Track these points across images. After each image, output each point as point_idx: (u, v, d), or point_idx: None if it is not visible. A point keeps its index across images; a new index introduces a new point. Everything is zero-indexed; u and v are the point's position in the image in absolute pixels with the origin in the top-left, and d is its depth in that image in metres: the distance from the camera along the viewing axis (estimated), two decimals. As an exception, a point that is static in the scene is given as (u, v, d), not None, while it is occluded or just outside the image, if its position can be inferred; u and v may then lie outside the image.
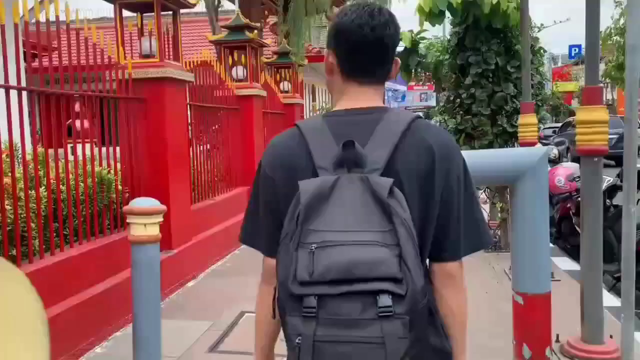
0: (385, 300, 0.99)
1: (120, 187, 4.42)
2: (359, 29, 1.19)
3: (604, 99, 33.04)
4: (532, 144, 5.06)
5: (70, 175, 3.83)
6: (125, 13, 4.89)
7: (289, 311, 1.03)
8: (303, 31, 12.06)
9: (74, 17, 3.91)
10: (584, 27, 3.10)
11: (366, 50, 1.21)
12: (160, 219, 2.83)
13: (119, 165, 4.47)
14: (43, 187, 3.61)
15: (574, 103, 38.70)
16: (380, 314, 0.98)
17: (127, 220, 2.82)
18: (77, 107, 4.08)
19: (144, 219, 2.73)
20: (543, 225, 2.50)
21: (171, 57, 5.13)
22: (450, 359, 1.22)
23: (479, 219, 1.24)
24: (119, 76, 4.47)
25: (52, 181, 3.68)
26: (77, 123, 4.05)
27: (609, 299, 4.27)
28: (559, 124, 21.92)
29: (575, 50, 30.33)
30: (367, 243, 1.02)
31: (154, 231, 2.78)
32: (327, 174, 1.12)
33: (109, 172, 4.29)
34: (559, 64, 38.17)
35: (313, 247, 1.02)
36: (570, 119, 17.70)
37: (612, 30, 24.10)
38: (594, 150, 3.13)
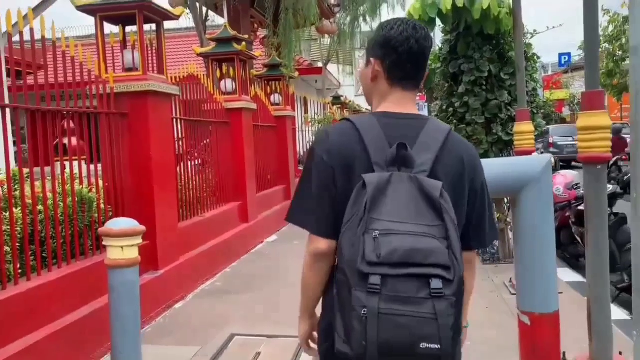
0: (437, 283, 1.18)
1: (103, 206, 4.23)
2: (406, 41, 1.39)
3: (596, 105, 33.17)
4: (529, 153, 4.91)
5: (49, 195, 3.65)
6: (113, 27, 4.73)
7: (354, 286, 1.20)
8: (294, 43, 11.95)
9: (51, 32, 3.75)
10: (582, 30, 2.96)
11: (412, 59, 1.41)
12: (139, 240, 2.64)
13: (101, 183, 4.28)
14: (19, 208, 3.42)
15: (565, 111, 38.82)
16: (433, 294, 1.18)
17: (103, 243, 2.63)
18: (56, 124, 3.90)
19: (121, 241, 2.55)
20: (549, 238, 2.34)
21: (155, 70, 4.97)
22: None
23: (494, 217, 1.51)
24: (99, 91, 4.30)
25: (29, 201, 3.49)
26: (59, 140, 3.87)
27: (615, 311, 4.10)
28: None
29: (565, 58, 30.45)
30: (422, 234, 1.21)
31: (132, 254, 2.60)
32: (381, 170, 1.31)
33: (90, 190, 4.10)
34: (549, 72, 38.36)
35: (377, 234, 1.20)
36: (546, 128, 17.74)
37: (601, 38, 24.27)
38: (597, 157, 2.97)
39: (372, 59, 1.46)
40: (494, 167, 2.37)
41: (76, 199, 3.86)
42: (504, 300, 4.65)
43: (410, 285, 1.18)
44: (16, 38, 3.47)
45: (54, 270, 3.63)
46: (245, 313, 4.60)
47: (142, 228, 2.64)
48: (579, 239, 5.58)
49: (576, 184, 5.91)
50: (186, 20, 13.24)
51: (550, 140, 18.92)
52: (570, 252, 5.90)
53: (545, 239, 2.35)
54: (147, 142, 4.64)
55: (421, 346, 1.17)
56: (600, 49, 25.83)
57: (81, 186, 4.00)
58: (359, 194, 1.27)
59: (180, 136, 5.73)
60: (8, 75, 3.52)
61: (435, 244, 1.21)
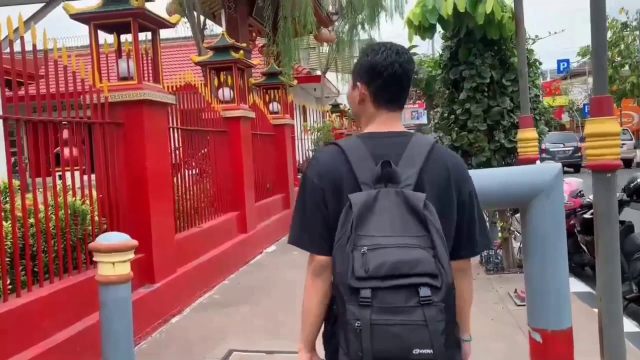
0: (425, 291, 1.24)
1: (97, 218, 4.11)
2: (390, 66, 1.47)
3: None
4: (533, 160, 4.81)
5: (41, 207, 3.54)
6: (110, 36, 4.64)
7: (347, 300, 1.27)
8: (293, 52, 11.88)
9: (47, 42, 3.66)
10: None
11: (396, 82, 1.49)
12: (130, 256, 2.53)
13: (95, 194, 4.17)
14: (9, 222, 3.30)
15: (564, 117, 38.77)
16: (422, 302, 1.24)
17: (94, 259, 2.52)
18: (47, 135, 3.80)
19: (112, 256, 2.43)
20: (561, 251, 2.23)
21: (151, 79, 4.87)
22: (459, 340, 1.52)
23: (485, 225, 1.54)
24: (93, 100, 4.20)
25: (21, 214, 3.38)
26: (51, 151, 3.76)
27: (624, 324, 3.98)
28: None
29: (563, 64, 30.42)
30: (408, 246, 1.27)
31: (124, 270, 2.48)
32: (368, 188, 1.37)
33: (83, 202, 3.98)
34: (548, 79, 38.36)
35: (365, 249, 1.27)
36: None
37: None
38: (607, 165, 2.86)
39: (358, 83, 1.54)
40: (502, 177, 2.26)
41: (69, 212, 3.75)
42: (510, 311, 4.53)
43: (400, 295, 1.25)
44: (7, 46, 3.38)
45: (45, 286, 3.51)
46: (244, 327, 4.47)
47: (134, 243, 2.53)
48: (584, 247, 5.46)
49: (581, 192, 5.80)
50: (184, 30, 13.17)
51: (543, 147, 19.24)
52: (576, 261, 5.78)
53: (557, 252, 2.24)
54: (143, 152, 4.53)
55: (414, 352, 1.23)
56: (599, 55, 25.79)
57: (74, 198, 3.88)
58: (347, 213, 1.34)
59: (177, 145, 5.63)
60: None
61: (422, 253, 1.28)
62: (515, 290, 4.93)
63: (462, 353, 1.54)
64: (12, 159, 4.38)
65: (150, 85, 4.68)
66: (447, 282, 1.28)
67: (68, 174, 3.95)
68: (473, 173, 2.20)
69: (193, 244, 5.49)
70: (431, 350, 1.23)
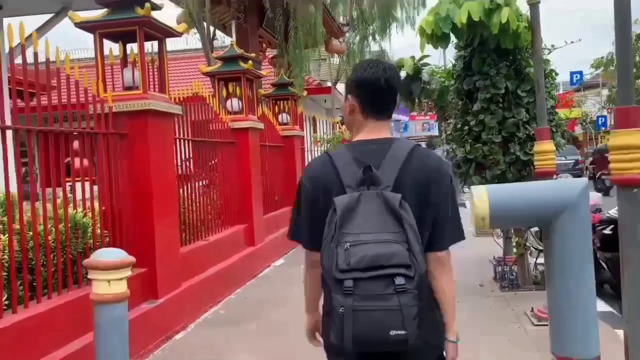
0: (400, 280, 1.41)
1: (99, 231, 3.99)
2: (377, 81, 1.65)
3: (608, 124, 32.76)
4: (550, 174, 4.63)
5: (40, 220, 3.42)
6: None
7: (333, 290, 1.45)
8: (303, 63, 11.79)
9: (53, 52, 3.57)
10: (615, 43, 2.72)
11: (382, 95, 1.68)
12: (127, 273, 2.39)
13: (98, 206, 4.05)
14: (6, 235, 3.19)
15: (577, 129, 38.32)
16: (397, 290, 1.41)
17: (89, 276, 2.38)
18: (48, 145, 3.69)
19: (108, 274, 2.30)
20: (587, 273, 2.06)
21: (157, 89, 4.77)
22: (443, 327, 1.68)
23: (458, 221, 1.68)
24: (96, 110, 4.10)
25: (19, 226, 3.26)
26: (50, 162, 3.66)
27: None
28: None
29: (576, 76, 30.07)
30: (385, 241, 1.44)
31: (120, 288, 2.35)
32: (352, 191, 1.55)
33: (84, 215, 3.87)
34: (560, 91, 38.02)
35: (347, 245, 1.44)
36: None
37: (614, 57, 23.91)
38: (632, 179, 2.69)
39: (349, 96, 1.73)
40: (523, 192, 2.09)
41: (69, 225, 3.63)
42: (527, 331, 4.33)
43: (378, 284, 1.42)
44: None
45: (43, 302, 3.38)
46: (250, 345, 4.31)
47: (131, 259, 2.39)
48: (604, 264, 5.25)
49: (599, 207, 5.60)
50: (195, 41, 13.15)
51: None
52: (595, 279, 5.56)
53: (584, 274, 2.07)
54: (147, 163, 4.42)
55: (391, 333, 1.41)
56: (614, 67, 25.54)
57: (75, 210, 3.76)
58: (332, 214, 1.52)
59: (185, 157, 5.52)
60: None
61: (397, 247, 1.45)
62: (532, 308, 4.73)
63: (444, 336, 1.68)
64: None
65: (155, 95, 4.58)
66: (420, 272, 1.47)
67: (72, 185, 3.85)
68: (491, 189, 2.05)
69: (199, 258, 5.36)
70: (405, 331, 1.41)
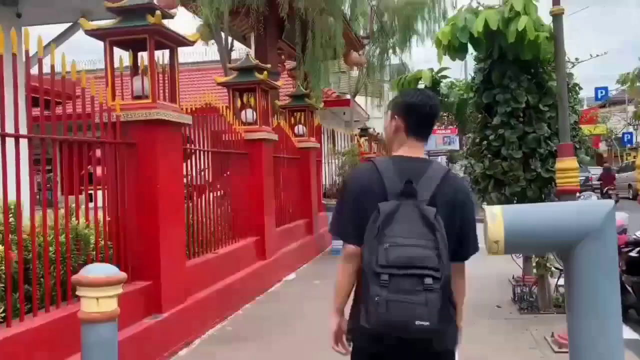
0: (428, 280, 1.69)
1: (102, 243, 3.89)
2: (424, 106, 1.99)
3: (635, 141, 31.93)
4: (573, 192, 4.41)
5: (42, 231, 3.33)
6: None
7: (370, 281, 1.72)
8: (322, 74, 11.68)
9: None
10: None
11: (427, 119, 2.01)
12: (118, 290, 2.26)
13: (101, 217, 3.96)
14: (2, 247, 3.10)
15: (602, 146, 37.52)
16: (426, 288, 1.68)
17: (77, 292, 2.26)
18: (55, 154, 3.62)
19: (96, 291, 2.17)
20: (614, 303, 1.87)
21: (168, 98, 4.69)
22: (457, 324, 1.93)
23: (476, 236, 1.97)
24: (103, 119, 4.02)
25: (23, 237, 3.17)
26: (53, 171, 3.58)
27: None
28: None
29: (601, 92, 29.49)
30: (420, 246, 1.72)
31: (109, 306, 2.21)
32: (393, 198, 1.82)
33: (87, 226, 3.77)
34: (585, 106, 37.34)
35: (387, 245, 1.72)
36: None
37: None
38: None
39: (396, 116, 2.03)
40: (542, 215, 1.91)
41: (70, 236, 3.53)
42: (547, 358, 4.09)
43: (410, 281, 1.67)
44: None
45: (39, 315, 3.28)
46: (254, 364, 4.15)
47: (122, 276, 2.26)
48: (630, 288, 4.98)
49: (625, 227, 5.33)
50: (216, 53, 13.17)
51: None
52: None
53: (610, 304, 1.88)
54: (155, 174, 4.32)
55: (416, 323, 1.66)
56: (639, 83, 24.96)
57: (77, 221, 3.67)
58: (376, 216, 1.78)
59: (196, 167, 5.42)
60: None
61: (429, 252, 1.71)
62: (552, 334, 4.48)
63: (458, 330, 1.94)
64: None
65: (165, 104, 4.49)
66: (446, 274, 1.72)
67: (75, 196, 3.76)
68: (507, 210, 1.88)
69: (206, 272, 5.23)
70: (428, 323, 1.67)
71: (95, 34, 4.33)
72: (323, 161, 11.72)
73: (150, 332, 4.11)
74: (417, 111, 1.98)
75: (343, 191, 2.03)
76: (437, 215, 1.76)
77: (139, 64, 4.50)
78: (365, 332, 1.75)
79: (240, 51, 14.34)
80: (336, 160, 11.15)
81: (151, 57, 4.36)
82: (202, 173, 5.68)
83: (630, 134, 31.20)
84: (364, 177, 1.94)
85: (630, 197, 20.89)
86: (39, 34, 3.52)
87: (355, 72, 18.69)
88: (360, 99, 20.17)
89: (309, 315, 5.48)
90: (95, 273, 2.20)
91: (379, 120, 24.95)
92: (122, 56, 4.42)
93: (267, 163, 7.12)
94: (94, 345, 2.20)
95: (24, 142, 3.33)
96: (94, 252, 3.80)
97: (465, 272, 2.00)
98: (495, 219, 1.80)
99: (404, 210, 1.77)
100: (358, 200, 1.89)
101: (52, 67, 3.55)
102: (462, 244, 1.91)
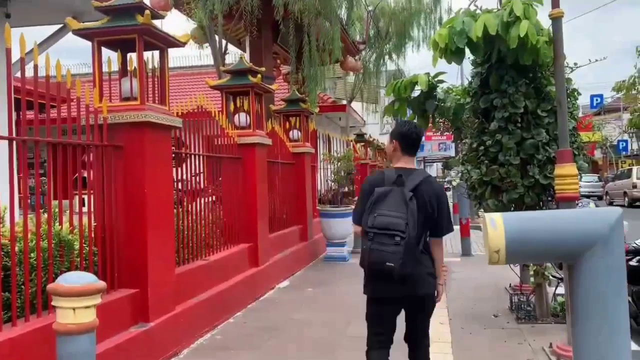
0: (397, 239, 2.74)
1: (87, 249, 3.76)
2: (412, 134, 3.09)
3: (630, 148, 31.96)
4: (573, 199, 4.30)
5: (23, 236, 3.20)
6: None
7: (363, 237, 2.86)
8: (318, 79, 11.57)
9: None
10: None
11: (414, 143, 3.10)
12: (96, 300, 2.13)
13: (86, 222, 3.82)
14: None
15: (597, 154, 37.56)
16: (394, 243, 2.74)
17: (52, 303, 2.12)
18: (37, 158, 3.48)
19: (72, 301, 2.04)
20: (622, 316, 1.75)
21: (157, 100, 4.57)
22: (435, 278, 3.04)
23: (450, 219, 3.09)
24: (89, 121, 3.90)
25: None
26: (35, 175, 3.45)
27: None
28: None
29: (596, 100, 29.57)
30: (395, 216, 2.77)
31: (87, 317, 2.08)
32: (388, 186, 2.91)
33: (71, 231, 3.64)
34: (580, 114, 37.38)
35: (375, 215, 2.81)
36: None
37: (637, 79, 23.50)
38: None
39: (394, 140, 3.09)
40: (546, 223, 1.79)
41: (53, 242, 3.40)
42: (545, 370, 3.98)
43: (385, 237, 2.75)
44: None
45: (19, 325, 3.14)
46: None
47: (101, 285, 2.13)
48: (630, 298, 4.87)
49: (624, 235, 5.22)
50: (210, 57, 13.05)
51: None
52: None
53: (617, 317, 1.76)
54: (142, 178, 4.19)
55: (386, 264, 2.74)
56: (636, 91, 25.02)
57: (60, 227, 3.53)
58: (372, 197, 2.87)
59: (186, 171, 5.29)
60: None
61: (400, 221, 2.75)
62: (551, 344, 4.37)
63: (435, 280, 3.02)
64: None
65: (154, 106, 4.37)
66: (411, 235, 2.74)
67: (59, 200, 3.62)
68: (508, 217, 1.76)
69: (196, 279, 5.09)
70: (393, 264, 2.71)
71: (82, 33, 4.21)
72: (318, 166, 11.59)
73: (137, 341, 3.97)
74: (407, 137, 3.06)
75: (361, 190, 3.07)
76: (413, 198, 2.81)
77: (127, 65, 4.39)
78: (363, 266, 2.88)
79: (234, 55, 14.23)
80: (331, 166, 11.03)
81: (140, 58, 4.24)
82: (194, 178, 5.55)
83: (626, 141, 31.26)
84: (375, 178, 3.05)
85: (626, 204, 20.85)
86: (30, 35, 3.41)
87: (351, 78, 18.63)
88: (356, 105, 20.10)
89: (301, 323, 5.34)
90: (72, 282, 2.07)
91: (374, 126, 24.89)
92: (110, 57, 4.30)
93: (260, 168, 7.00)
94: (70, 358, 2.06)
95: (3, 144, 3.21)
96: (78, 259, 3.66)
97: (442, 245, 3.08)
98: (496, 226, 1.68)
99: (393, 193, 2.84)
100: (368, 195, 2.91)
101: (35, 67, 3.42)
102: (437, 225, 2.98)
